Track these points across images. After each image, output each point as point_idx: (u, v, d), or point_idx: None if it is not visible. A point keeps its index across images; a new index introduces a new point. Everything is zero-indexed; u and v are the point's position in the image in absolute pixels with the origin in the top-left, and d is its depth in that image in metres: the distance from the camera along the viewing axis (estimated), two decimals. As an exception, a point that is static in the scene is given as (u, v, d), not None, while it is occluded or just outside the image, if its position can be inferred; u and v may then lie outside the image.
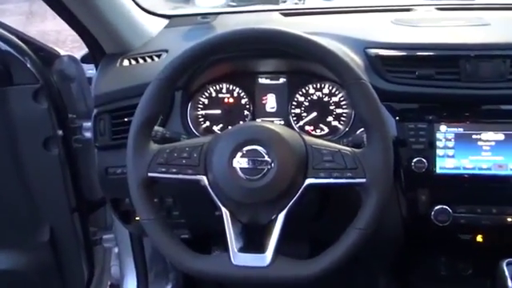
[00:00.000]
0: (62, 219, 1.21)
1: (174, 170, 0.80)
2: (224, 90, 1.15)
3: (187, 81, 1.08)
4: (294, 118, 1.14)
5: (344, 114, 1.12)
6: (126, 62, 1.15)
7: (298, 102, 1.14)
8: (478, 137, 0.99)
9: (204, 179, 0.80)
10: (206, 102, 1.15)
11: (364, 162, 0.78)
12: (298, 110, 1.14)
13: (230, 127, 0.92)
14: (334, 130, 1.12)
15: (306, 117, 1.13)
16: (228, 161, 0.78)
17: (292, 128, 1.09)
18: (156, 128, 0.94)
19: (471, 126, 1.00)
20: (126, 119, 1.04)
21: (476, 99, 1.02)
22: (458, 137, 1.00)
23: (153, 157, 0.81)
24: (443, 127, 1.00)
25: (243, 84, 1.16)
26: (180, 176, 0.81)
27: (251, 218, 0.82)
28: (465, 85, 1.01)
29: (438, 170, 0.99)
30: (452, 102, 1.02)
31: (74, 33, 1.10)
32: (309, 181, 0.79)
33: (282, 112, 1.15)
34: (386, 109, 1.02)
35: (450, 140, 1.00)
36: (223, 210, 0.81)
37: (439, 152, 1.00)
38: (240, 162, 0.78)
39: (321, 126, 1.13)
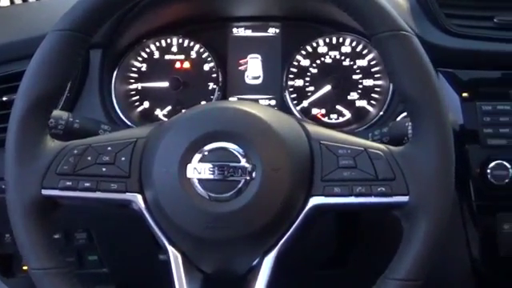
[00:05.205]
0: None
1: (88, 185, 0.80)
2: (174, 49, 1.16)
3: (110, 33, 1.09)
4: (294, 96, 1.15)
5: (377, 89, 1.14)
6: (3, 1, 1.15)
7: (299, 68, 1.15)
8: None
9: (138, 199, 0.81)
10: (144, 68, 1.16)
11: (406, 168, 0.78)
12: (299, 82, 1.15)
13: (184, 111, 0.92)
14: (360, 116, 1.14)
15: (313, 93, 1.15)
16: (179, 168, 0.78)
17: (289, 112, 1.11)
18: (56, 113, 0.94)
19: None
20: (4, 98, 1.05)
21: None
22: None
23: (50, 162, 0.80)
24: (540, 110, 1.03)
25: (207, 38, 1.16)
26: (98, 195, 0.80)
27: (219, 266, 0.82)
28: None
29: (532, 181, 1.02)
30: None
31: None
32: (315, 200, 0.79)
33: (273, 85, 1.17)
34: (446, 79, 1.04)
35: (551, 131, 1.02)
36: (171, 251, 0.81)
37: (533, 151, 1.02)
38: (199, 171, 0.78)
39: (338, 108, 1.15)
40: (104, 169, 0.81)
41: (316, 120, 1.14)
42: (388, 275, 0.78)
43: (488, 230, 1.04)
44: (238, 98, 1.17)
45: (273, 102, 1.17)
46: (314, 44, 1.15)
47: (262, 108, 0.85)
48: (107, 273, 1.12)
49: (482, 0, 1.07)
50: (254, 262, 0.81)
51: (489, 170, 1.01)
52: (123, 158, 0.81)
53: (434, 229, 0.78)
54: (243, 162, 0.78)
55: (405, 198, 0.78)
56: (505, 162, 1.01)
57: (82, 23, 0.81)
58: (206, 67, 1.16)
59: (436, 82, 0.79)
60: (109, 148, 0.82)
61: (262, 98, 1.17)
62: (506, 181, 1.01)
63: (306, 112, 1.15)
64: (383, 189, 0.78)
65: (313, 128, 0.84)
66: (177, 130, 0.81)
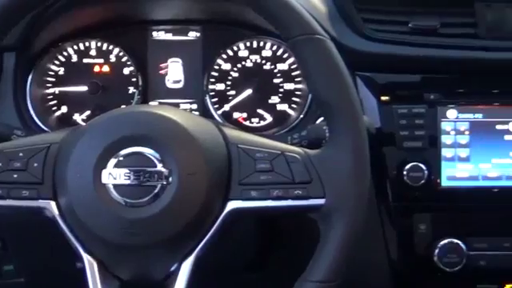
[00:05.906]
0: None
1: None
2: (93, 52, 1.15)
3: (24, 35, 1.06)
4: (215, 100, 1.16)
5: (298, 93, 1.15)
6: None
7: (220, 71, 1.16)
8: (506, 127, 1.06)
9: (52, 206, 0.79)
10: (62, 72, 1.14)
11: (322, 171, 0.80)
12: (220, 86, 1.16)
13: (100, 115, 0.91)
14: (281, 119, 1.15)
15: (234, 97, 1.16)
16: (94, 174, 0.77)
17: (210, 116, 1.12)
18: (-35, 119, 0.92)
19: (495, 111, 1.06)
20: None
21: (502, 66, 1.09)
22: (475, 127, 1.06)
23: None
24: (452, 112, 1.06)
25: (126, 41, 1.16)
26: (9, 202, 0.79)
27: (136, 272, 0.82)
28: (485, 43, 1.07)
29: (445, 183, 1.06)
30: (466, 72, 1.09)
31: None
32: (233, 204, 0.80)
33: (194, 89, 1.17)
34: (364, 83, 1.06)
35: (462, 133, 1.06)
36: (86, 259, 0.80)
37: (446, 152, 1.06)
38: (114, 176, 0.77)
39: (259, 112, 1.16)
40: (15, 175, 0.79)
41: (237, 124, 1.14)
42: (305, 277, 0.79)
43: (405, 230, 1.07)
44: (159, 103, 1.16)
45: (194, 106, 1.17)
46: (235, 48, 1.16)
47: (178, 112, 0.85)
48: (24, 283, 1.09)
49: (398, 5, 1.09)
50: (172, 268, 0.80)
51: (405, 172, 1.04)
52: (36, 164, 0.79)
53: (350, 230, 0.79)
54: (159, 167, 0.77)
55: (321, 201, 0.79)
56: (420, 164, 1.04)
57: None
58: (126, 71, 1.15)
59: (350, 86, 0.80)
60: (20, 154, 0.80)
61: (183, 102, 1.17)
62: (422, 182, 1.04)
63: (227, 116, 1.15)
64: (300, 192, 0.79)
65: (231, 132, 0.84)
66: (91, 135, 0.80)
